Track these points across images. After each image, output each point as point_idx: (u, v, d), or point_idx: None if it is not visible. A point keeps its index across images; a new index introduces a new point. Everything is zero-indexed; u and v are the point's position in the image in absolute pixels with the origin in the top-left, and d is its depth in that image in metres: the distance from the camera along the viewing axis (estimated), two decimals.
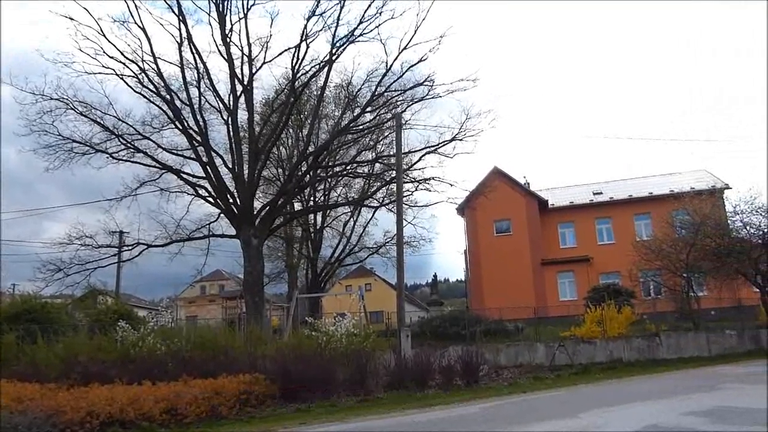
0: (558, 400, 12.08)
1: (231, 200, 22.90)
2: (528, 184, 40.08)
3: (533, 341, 20.40)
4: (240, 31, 23.76)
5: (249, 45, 22.75)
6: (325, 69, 23.37)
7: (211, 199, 23.47)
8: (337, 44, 22.65)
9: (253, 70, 23.15)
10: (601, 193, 39.47)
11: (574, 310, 25.02)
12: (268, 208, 23.96)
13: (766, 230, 23.31)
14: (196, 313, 50.72)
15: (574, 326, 21.54)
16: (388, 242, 35.39)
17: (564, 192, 41.31)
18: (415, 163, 25.66)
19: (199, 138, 22.85)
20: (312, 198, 34.09)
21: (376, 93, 23.34)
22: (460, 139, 23.54)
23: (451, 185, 24.18)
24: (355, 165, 28.11)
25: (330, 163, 28.25)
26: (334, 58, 22.96)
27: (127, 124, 22.44)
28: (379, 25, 22.04)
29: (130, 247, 24.26)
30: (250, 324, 19.98)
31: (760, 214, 23.46)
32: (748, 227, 23.93)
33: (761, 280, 24.09)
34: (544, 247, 37.06)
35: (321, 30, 22.68)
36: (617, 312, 20.90)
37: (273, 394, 12.41)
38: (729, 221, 24.92)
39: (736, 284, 25.86)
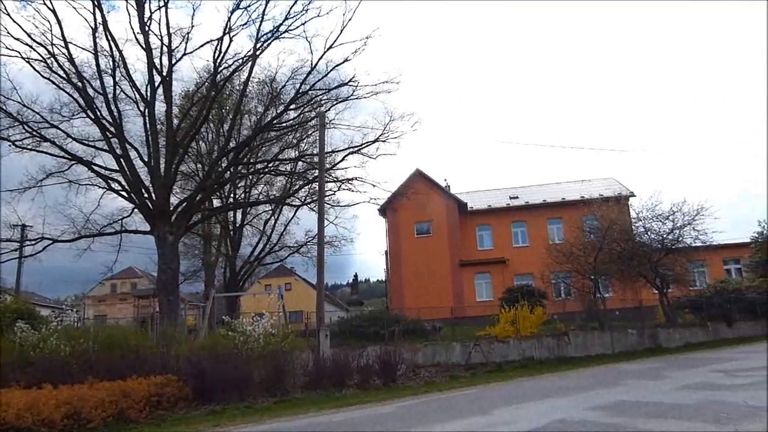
0: (472, 397, 12.40)
1: (146, 195, 22.01)
2: (448, 186, 40.98)
3: (450, 341, 20.88)
4: (160, 20, 22.86)
5: (169, 35, 21.98)
6: (249, 64, 22.93)
7: (124, 193, 22.46)
8: (262, 39, 22.32)
9: (173, 61, 22.38)
10: (517, 197, 40.93)
11: (490, 310, 25.81)
12: (185, 204, 23.22)
13: (664, 236, 25.00)
14: (105, 312, 48.49)
15: (490, 326, 22.26)
16: (309, 241, 35.18)
17: (483, 195, 42.54)
18: (338, 163, 25.66)
19: (113, 129, 21.81)
20: (232, 195, 33.34)
21: (301, 91, 23.13)
22: (384, 141, 23.80)
23: (374, 186, 24.42)
24: (277, 163, 27.74)
25: (251, 160, 27.73)
26: (258, 53, 22.58)
27: (33, 111, 21.10)
28: (305, 22, 21.94)
29: (33, 242, 22.83)
30: (163, 323, 19.28)
31: (660, 221, 25.16)
32: (649, 233, 25.61)
33: (660, 283, 25.80)
34: (463, 249, 37.99)
35: (245, 24, 22.33)
36: (530, 312, 21.80)
37: (186, 395, 12.04)
38: (633, 227, 26.52)
39: (637, 286, 27.59)
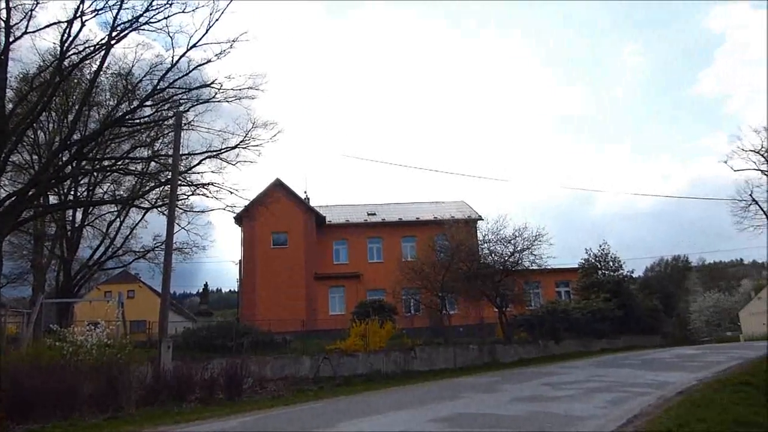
0: (318, 411, 12.37)
1: None
2: (308, 199, 40.95)
3: (300, 354, 20.77)
4: None
5: (8, 9, 19.68)
6: (102, 52, 21.27)
7: None
8: (119, 28, 20.82)
9: (11, 39, 20.14)
10: (374, 214, 41.92)
11: (342, 324, 26.06)
12: (14, 198, 20.88)
13: (506, 258, 26.91)
14: None
15: (341, 339, 22.47)
16: (157, 247, 33.16)
17: (341, 210, 43.05)
18: (194, 167, 24.48)
19: None
20: (72, 192, 30.59)
21: (159, 87, 21.87)
22: (245, 148, 23.16)
23: (231, 193, 23.53)
24: (127, 161, 25.91)
25: (98, 156, 25.66)
26: (113, 42, 20.99)
27: None
28: (169, 16, 20.75)
29: None
30: None
31: (503, 244, 27.07)
32: (493, 254, 27.42)
33: (500, 302, 27.69)
34: (319, 262, 38.07)
35: (101, 10, 20.64)
36: (380, 327, 22.32)
37: None
38: (479, 248, 28.27)
39: (481, 304, 29.38)
